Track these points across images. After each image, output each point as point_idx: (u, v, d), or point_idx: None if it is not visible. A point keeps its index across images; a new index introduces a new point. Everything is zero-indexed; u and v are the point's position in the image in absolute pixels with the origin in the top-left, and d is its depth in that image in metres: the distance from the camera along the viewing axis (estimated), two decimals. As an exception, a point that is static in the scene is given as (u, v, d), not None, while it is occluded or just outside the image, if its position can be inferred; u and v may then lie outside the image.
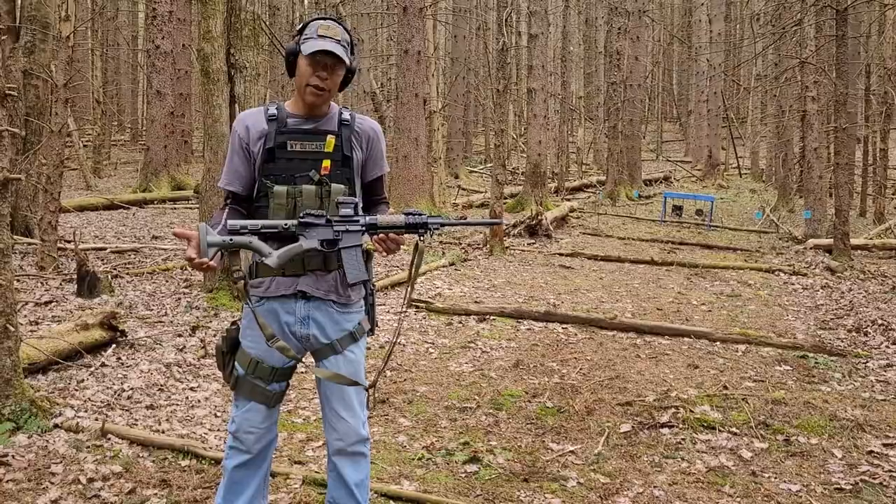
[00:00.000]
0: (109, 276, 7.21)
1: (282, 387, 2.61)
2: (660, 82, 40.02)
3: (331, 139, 2.55)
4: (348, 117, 2.61)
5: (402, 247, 2.53)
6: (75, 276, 6.95)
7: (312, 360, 2.67)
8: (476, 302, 7.44)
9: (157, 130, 16.23)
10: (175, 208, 14.63)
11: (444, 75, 26.90)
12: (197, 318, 6.26)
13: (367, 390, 2.62)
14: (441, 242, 11.49)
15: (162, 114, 16.21)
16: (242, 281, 2.46)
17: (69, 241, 8.86)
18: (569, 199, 17.66)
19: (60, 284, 7.18)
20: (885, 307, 7.53)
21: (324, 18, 2.53)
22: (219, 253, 2.39)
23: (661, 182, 22.49)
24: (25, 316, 5.99)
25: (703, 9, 24.81)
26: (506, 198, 13.94)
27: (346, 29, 2.53)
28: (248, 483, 2.62)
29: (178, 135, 16.85)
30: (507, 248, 10.83)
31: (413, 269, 2.58)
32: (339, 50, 2.45)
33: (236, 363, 2.58)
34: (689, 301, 7.92)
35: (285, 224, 2.43)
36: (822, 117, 14.14)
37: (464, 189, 19.71)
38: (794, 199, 17.01)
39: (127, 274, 7.86)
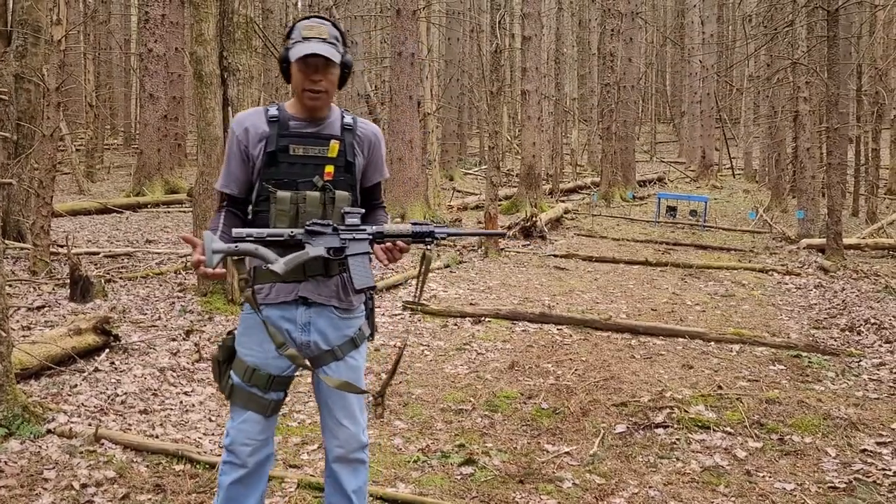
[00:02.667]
0: (103, 281, 7.18)
1: (279, 396, 2.55)
2: (653, 84, 40.11)
3: (334, 144, 2.50)
4: (350, 121, 2.57)
5: (404, 256, 2.52)
6: (68, 281, 6.93)
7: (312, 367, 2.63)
8: (471, 304, 7.44)
9: (151, 134, 16.19)
10: (169, 212, 14.59)
11: (438, 78, 26.89)
12: (191, 322, 6.24)
13: (374, 398, 2.60)
14: (436, 244, 11.48)
15: (155, 117, 16.17)
16: (250, 290, 2.44)
17: (62, 246, 8.82)
18: (563, 201, 17.67)
19: (53, 289, 7.15)
20: (878, 306, 7.55)
21: (308, 18, 2.47)
22: (223, 260, 2.37)
23: (655, 183, 22.53)
24: (18, 321, 5.96)
25: (696, 10, 24.86)
26: (500, 199, 13.94)
27: (334, 24, 2.47)
28: (244, 500, 2.54)
29: (172, 138, 16.81)
30: (501, 249, 10.84)
31: (421, 279, 2.56)
32: (325, 50, 2.38)
33: (232, 372, 2.52)
34: (683, 301, 7.93)
35: (291, 232, 2.40)
36: (814, 118, 14.19)
37: (458, 191, 19.69)
38: (787, 200, 17.05)
39: (120, 278, 7.83)
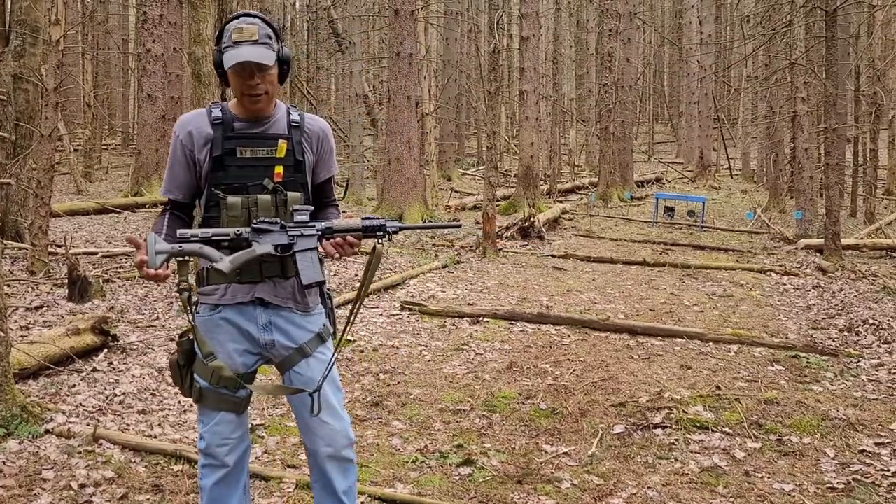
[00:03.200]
0: (101, 281, 7.18)
1: (248, 392, 2.51)
2: (651, 84, 40.15)
3: (283, 144, 2.44)
4: (297, 118, 2.50)
5: (356, 250, 2.45)
6: (66, 281, 6.92)
7: (271, 376, 2.57)
8: (469, 304, 7.44)
9: (149, 134, 16.17)
10: (167, 212, 14.57)
11: (436, 78, 26.89)
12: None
13: (310, 395, 2.46)
14: (434, 245, 11.49)
15: (153, 117, 16.15)
16: (187, 293, 2.35)
17: (60, 246, 8.81)
18: (561, 201, 17.67)
19: (51, 289, 7.15)
20: (876, 307, 7.56)
21: (237, 17, 2.39)
22: (167, 261, 2.31)
23: (652, 183, 22.55)
24: (16, 321, 5.96)
25: (694, 11, 24.89)
26: (498, 200, 13.94)
27: (264, 20, 2.39)
28: (228, 499, 2.52)
29: (170, 138, 16.80)
30: (499, 250, 10.84)
31: (368, 273, 2.47)
32: (256, 55, 2.31)
33: (196, 375, 2.46)
34: (681, 302, 7.94)
35: (237, 231, 2.34)
36: (813, 118, 14.21)
37: (456, 191, 19.70)
38: (785, 200, 17.07)
39: (118, 278, 7.82)
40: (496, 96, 12.06)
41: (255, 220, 2.37)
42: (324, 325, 2.57)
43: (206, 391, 2.45)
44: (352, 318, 2.54)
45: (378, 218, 2.45)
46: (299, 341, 2.50)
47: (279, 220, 2.38)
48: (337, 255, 2.42)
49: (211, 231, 2.34)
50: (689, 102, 25.45)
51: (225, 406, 2.46)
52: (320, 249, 2.43)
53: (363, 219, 2.44)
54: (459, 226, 2.81)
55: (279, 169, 2.44)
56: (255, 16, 2.40)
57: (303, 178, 2.50)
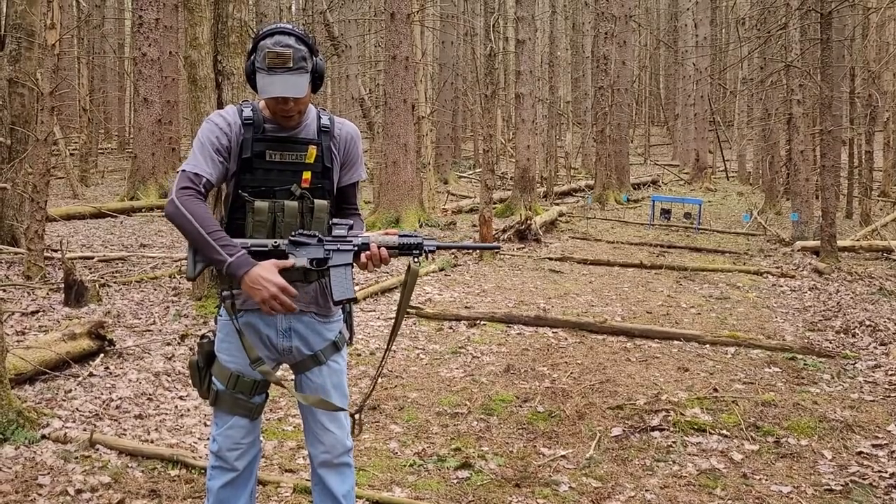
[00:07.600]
0: (97, 285, 7.16)
1: (262, 398, 2.54)
2: (647, 86, 40.23)
3: (312, 150, 2.43)
4: (328, 123, 2.48)
5: (385, 264, 2.46)
6: (62, 286, 6.90)
7: (292, 375, 2.60)
8: (466, 307, 7.44)
9: (145, 138, 16.15)
10: (163, 216, 14.54)
11: (433, 81, 26.94)
12: (186, 326, 6.23)
13: (352, 416, 2.54)
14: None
15: (149, 121, 16.14)
16: (230, 301, 2.39)
17: (56, 250, 8.79)
18: (558, 204, 17.67)
19: (47, 294, 7.13)
20: (873, 308, 7.57)
21: (272, 34, 2.32)
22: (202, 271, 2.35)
23: (649, 186, 22.56)
24: (12, 326, 5.94)
25: (689, 13, 24.96)
26: (495, 203, 13.94)
27: (299, 37, 2.33)
28: (234, 503, 2.54)
29: (166, 142, 16.78)
30: (496, 253, 10.83)
31: (405, 293, 2.48)
32: (290, 89, 2.29)
33: (214, 378, 2.48)
34: (678, 304, 7.94)
35: (275, 242, 2.36)
36: (808, 120, 14.24)
37: (453, 194, 19.70)
38: (781, 202, 17.10)
39: (115, 283, 7.81)
40: (492, 99, 12.07)
41: (293, 233, 2.37)
42: (340, 333, 2.59)
43: (222, 394, 2.47)
44: (392, 338, 2.65)
45: (417, 235, 2.46)
46: (315, 349, 2.51)
47: (316, 234, 2.39)
48: (367, 268, 2.44)
49: (249, 242, 2.35)
50: (684, 105, 25.50)
51: (239, 411, 2.48)
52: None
53: (400, 236, 2.45)
54: (499, 247, 2.84)
55: (307, 175, 2.43)
56: (290, 32, 2.34)
57: (329, 185, 2.49)
